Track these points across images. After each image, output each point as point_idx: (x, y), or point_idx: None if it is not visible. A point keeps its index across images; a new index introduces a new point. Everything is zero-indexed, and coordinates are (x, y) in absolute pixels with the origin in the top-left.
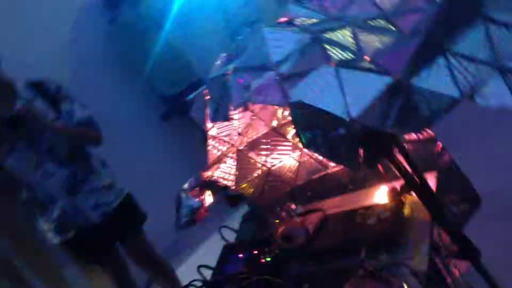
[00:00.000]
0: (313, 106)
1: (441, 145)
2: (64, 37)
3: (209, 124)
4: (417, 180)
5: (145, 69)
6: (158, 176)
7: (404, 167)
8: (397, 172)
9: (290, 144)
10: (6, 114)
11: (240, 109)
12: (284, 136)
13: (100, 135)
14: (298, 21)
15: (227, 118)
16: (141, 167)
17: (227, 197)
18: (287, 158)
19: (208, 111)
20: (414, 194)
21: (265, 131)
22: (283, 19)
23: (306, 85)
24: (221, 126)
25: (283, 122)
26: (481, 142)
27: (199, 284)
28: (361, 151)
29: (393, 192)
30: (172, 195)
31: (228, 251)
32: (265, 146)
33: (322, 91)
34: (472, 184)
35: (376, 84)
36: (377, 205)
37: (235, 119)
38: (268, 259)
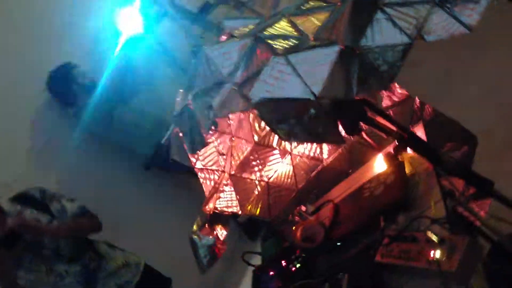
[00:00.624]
0: (276, 98)
1: (418, 100)
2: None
3: (192, 159)
4: (405, 135)
5: (123, 142)
6: (161, 231)
7: (387, 126)
8: (382, 134)
9: (278, 151)
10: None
11: (213, 130)
12: (269, 146)
13: (97, 221)
14: (237, 32)
15: (204, 144)
16: (144, 227)
17: (245, 232)
18: (280, 166)
19: (185, 146)
20: (409, 150)
21: (249, 148)
22: (223, 37)
23: (262, 82)
24: (205, 157)
25: (263, 133)
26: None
27: None
28: (339, 123)
29: (389, 156)
30: (182, 242)
31: (258, 273)
32: (255, 162)
33: (278, 82)
34: (462, 125)
35: (326, 56)
36: (379, 174)
37: (216, 145)
38: (298, 265)
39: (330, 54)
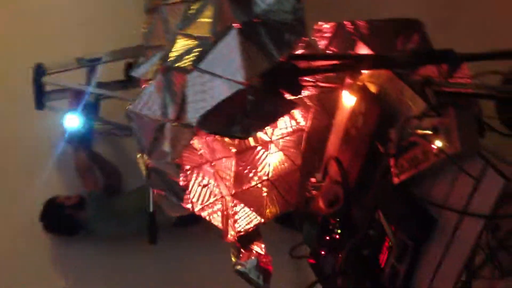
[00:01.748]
0: (212, 109)
1: (348, 22)
2: None
3: (187, 206)
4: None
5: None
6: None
7: (331, 64)
8: (330, 74)
9: (260, 147)
10: None
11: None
12: (249, 148)
13: None
14: (149, 75)
15: (185, 188)
16: None
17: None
18: (270, 158)
19: (174, 200)
20: (365, 71)
21: (234, 162)
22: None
23: (193, 103)
24: (198, 198)
25: (237, 141)
26: None
27: None
28: (281, 92)
29: (351, 87)
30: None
31: (313, 261)
32: (247, 170)
33: (205, 93)
34: (398, 18)
35: (230, 43)
36: (352, 108)
37: (199, 181)
38: (339, 231)
39: (232, 39)
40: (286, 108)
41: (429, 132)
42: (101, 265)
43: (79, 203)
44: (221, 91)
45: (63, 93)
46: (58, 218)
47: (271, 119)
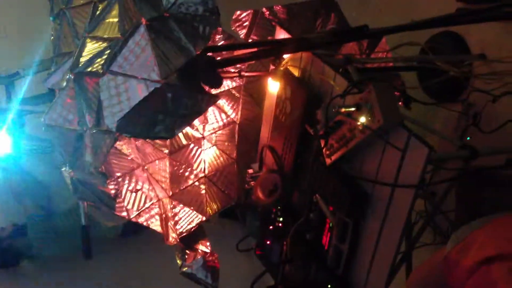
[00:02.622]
0: (131, 111)
1: (264, 9)
2: None
3: (123, 214)
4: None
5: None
6: None
7: (251, 52)
8: (251, 61)
9: (192, 145)
10: None
11: (112, 179)
12: (182, 147)
13: None
14: (62, 83)
15: (117, 195)
16: None
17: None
18: (205, 154)
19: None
20: (286, 55)
21: (167, 163)
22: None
23: (109, 108)
24: (132, 205)
25: (168, 141)
26: None
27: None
28: (201, 86)
29: (274, 73)
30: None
31: (260, 252)
32: (182, 169)
33: (121, 96)
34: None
35: (140, 41)
36: (279, 95)
37: (132, 187)
38: (280, 218)
39: (142, 36)
40: (208, 102)
41: (353, 109)
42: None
43: (16, 231)
44: (137, 92)
45: None
46: None
47: (194, 115)
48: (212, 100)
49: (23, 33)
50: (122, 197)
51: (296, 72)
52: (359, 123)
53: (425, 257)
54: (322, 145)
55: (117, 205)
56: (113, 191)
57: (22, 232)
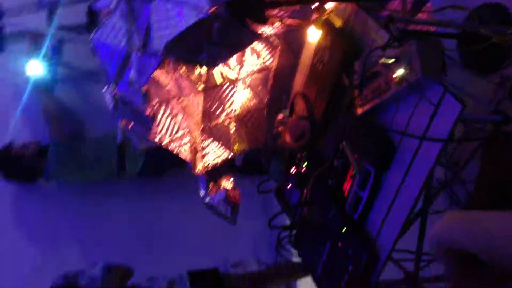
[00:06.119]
0: (179, 34)
1: None
2: None
3: (156, 139)
4: None
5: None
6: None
7: None
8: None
9: (227, 84)
10: None
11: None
12: (217, 86)
13: (125, 268)
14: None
15: (152, 117)
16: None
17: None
18: (238, 95)
19: (142, 130)
20: (330, 4)
21: (201, 97)
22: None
23: (158, 30)
24: (166, 131)
25: (204, 78)
26: None
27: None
28: (246, 21)
29: (315, 22)
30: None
31: (279, 194)
32: (215, 106)
33: (171, 20)
34: None
35: None
36: (318, 43)
37: (167, 114)
38: (305, 164)
39: None
40: (251, 38)
41: (391, 61)
42: (65, 212)
43: (39, 151)
44: (186, 18)
45: (23, 36)
46: (18, 169)
47: (237, 48)
48: (256, 37)
49: None
50: (157, 122)
51: (338, 22)
52: (396, 75)
53: None
54: (356, 95)
55: (152, 127)
56: (150, 114)
57: (42, 152)
